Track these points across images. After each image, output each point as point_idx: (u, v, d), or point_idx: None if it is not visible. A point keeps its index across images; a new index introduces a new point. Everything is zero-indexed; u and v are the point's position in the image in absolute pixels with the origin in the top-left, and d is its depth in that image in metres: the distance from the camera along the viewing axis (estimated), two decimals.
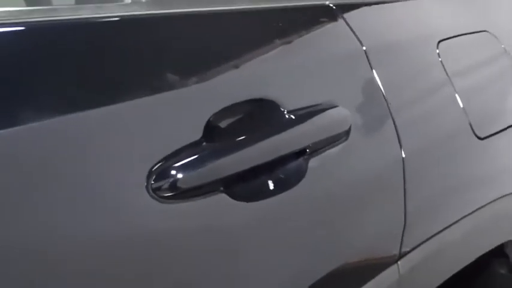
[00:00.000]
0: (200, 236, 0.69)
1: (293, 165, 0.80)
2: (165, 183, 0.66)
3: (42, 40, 0.65)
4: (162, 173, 0.66)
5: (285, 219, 0.79)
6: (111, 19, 0.73)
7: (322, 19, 0.98)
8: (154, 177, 0.66)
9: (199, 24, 0.81)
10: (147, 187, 0.65)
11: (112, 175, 0.63)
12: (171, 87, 0.71)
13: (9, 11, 0.72)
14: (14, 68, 0.61)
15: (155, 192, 0.65)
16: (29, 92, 0.61)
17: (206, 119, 0.71)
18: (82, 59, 0.67)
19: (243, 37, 0.83)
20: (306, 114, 0.82)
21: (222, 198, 0.71)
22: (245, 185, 0.74)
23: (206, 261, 0.70)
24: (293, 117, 0.80)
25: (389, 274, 0.97)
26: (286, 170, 0.79)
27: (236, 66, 0.79)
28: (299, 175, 0.80)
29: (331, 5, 1.00)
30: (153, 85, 0.70)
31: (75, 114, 0.62)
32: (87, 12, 0.73)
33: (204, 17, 0.82)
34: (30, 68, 0.62)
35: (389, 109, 0.97)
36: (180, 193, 0.67)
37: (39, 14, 0.73)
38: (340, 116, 0.87)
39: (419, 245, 1.00)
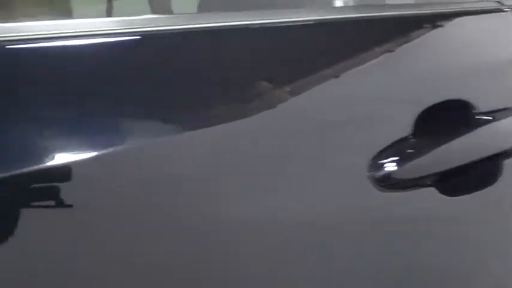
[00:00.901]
0: (411, 223, 0.75)
1: (490, 166, 0.83)
2: (384, 174, 0.71)
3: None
4: (381, 164, 0.72)
5: (476, 217, 0.83)
6: (299, 24, 0.73)
7: (503, 23, 1.00)
8: (374, 168, 0.71)
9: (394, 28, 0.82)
10: (368, 176, 0.71)
11: (342, 166, 0.69)
12: (385, 85, 0.75)
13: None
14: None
15: (375, 181, 0.71)
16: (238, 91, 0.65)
17: (415, 117, 0.76)
18: (278, 59, 0.69)
19: (438, 41, 0.86)
20: (502, 116, 0.85)
21: (431, 191, 0.76)
22: (451, 181, 0.78)
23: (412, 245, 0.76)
24: (491, 119, 0.84)
25: None
26: (485, 170, 0.83)
27: (437, 69, 0.82)
28: (493, 177, 0.83)
29: (507, 10, 1.01)
30: (369, 86, 0.74)
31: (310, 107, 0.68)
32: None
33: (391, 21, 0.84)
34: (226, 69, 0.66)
35: None
36: (397, 183, 0.73)
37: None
38: None
39: None
